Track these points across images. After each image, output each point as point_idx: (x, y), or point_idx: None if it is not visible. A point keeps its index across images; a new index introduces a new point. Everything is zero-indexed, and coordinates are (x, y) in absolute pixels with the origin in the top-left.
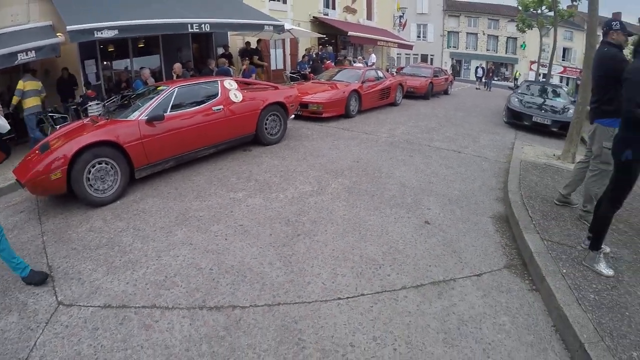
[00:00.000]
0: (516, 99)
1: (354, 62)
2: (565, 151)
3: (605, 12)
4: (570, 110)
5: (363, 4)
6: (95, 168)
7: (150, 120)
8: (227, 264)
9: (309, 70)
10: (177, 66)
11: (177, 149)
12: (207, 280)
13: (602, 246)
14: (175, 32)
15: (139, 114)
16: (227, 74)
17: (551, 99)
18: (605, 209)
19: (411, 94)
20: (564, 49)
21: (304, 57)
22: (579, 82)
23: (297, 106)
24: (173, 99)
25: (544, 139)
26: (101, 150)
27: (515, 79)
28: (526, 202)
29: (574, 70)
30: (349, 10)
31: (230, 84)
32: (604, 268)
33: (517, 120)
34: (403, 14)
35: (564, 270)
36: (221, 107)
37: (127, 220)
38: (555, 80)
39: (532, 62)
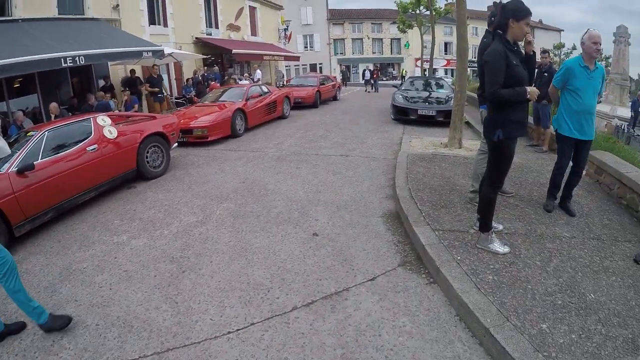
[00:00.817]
0: (400, 96)
1: (240, 79)
2: (451, 138)
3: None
4: (452, 100)
5: (247, 20)
6: None
7: (21, 172)
8: (113, 316)
9: (194, 93)
10: (53, 106)
11: (55, 198)
12: (94, 337)
13: (494, 225)
14: (49, 68)
15: (9, 166)
16: (106, 108)
17: (435, 91)
18: (487, 189)
19: (299, 105)
20: (446, 44)
21: (187, 80)
22: None
23: (179, 134)
24: (43, 144)
25: (430, 129)
26: None
27: (403, 77)
28: (414, 195)
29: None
30: (232, 27)
31: (103, 120)
32: (498, 247)
33: (403, 115)
34: (287, 26)
35: (458, 257)
36: (96, 146)
37: None
38: (440, 73)
39: (417, 59)
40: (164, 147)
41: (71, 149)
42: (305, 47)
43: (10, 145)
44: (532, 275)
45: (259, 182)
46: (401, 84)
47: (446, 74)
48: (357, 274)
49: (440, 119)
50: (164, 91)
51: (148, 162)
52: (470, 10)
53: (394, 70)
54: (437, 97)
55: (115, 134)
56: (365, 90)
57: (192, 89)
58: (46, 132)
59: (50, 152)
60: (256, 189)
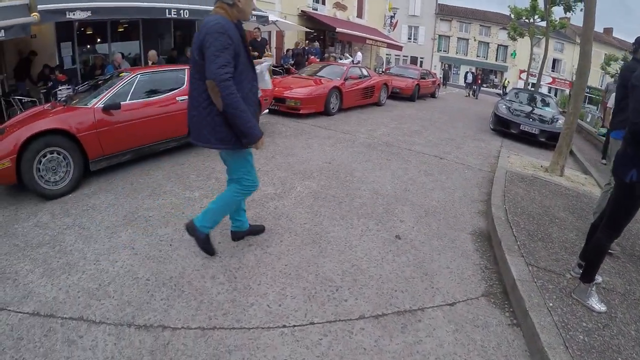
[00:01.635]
0: (504, 106)
1: (340, 59)
2: (554, 163)
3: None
4: (560, 121)
5: (354, 1)
6: (46, 158)
7: (107, 109)
8: (165, 275)
9: (292, 64)
10: (152, 53)
11: (136, 141)
12: (142, 293)
13: (595, 277)
14: (152, 17)
15: (96, 102)
16: None
17: (540, 108)
18: (602, 237)
19: (396, 95)
20: (554, 60)
21: (287, 51)
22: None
23: (272, 100)
24: (134, 87)
25: (530, 148)
26: (53, 139)
27: (504, 87)
28: (511, 219)
29: (563, 81)
30: (339, 6)
31: None
32: (595, 303)
33: (504, 127)
34: (394, 14)
35: (551, 304)
36: (186, 97)
37: (75, 216)
38: (544, 90)
39: (522, 71)
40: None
41: (160, 96)
42: (409, 38)
43: (101, 84)
44: (625, 347)
45: (346, 166)
46: (504, 93)
47: (549, 92)
48: (437, 294)
49: (543, 139)
50: (266, 56)
51: None
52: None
53: (495, 77)
54: (542, 115)
55: None
56: (466, 95)
57: (290, 59)
58: (138, 76)
59: (139, 95)
60: (342, 173)
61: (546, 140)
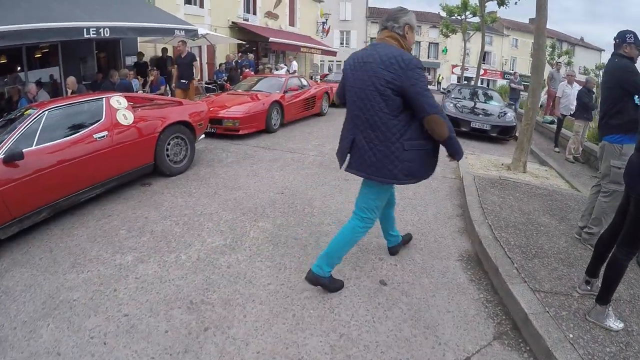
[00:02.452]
0: (451, 104)
1: (276, 69)
2: (516, 160)
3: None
4: (509, 114)
5: (285, 9)
6: None
7: (8, 161)
8: None
9: (226, 79)
10: (71, 80)
11: (51, 194)
12: None
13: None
14: (69, 38)
15: None
16: (128, 88)
17: (485, 103)
18: (622, 256)
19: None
20: (485, 53)
21: (220, 65)
22: (512, 85)
23: (207, 124)
24: (41, 126)
25: (483, 144)
26: None
27: (439, 83)
28: (498, 237)
29: (494, 72)
30: (270, 15)
31: (118, 101)
32: (613, 322)
33: (454, 126)
34: (326, 20)
35: (571, 335)
36: (106, 133)
37: None
38: (477, 82)
39: (454, 66)
40: (188, 139)
41: (75, 135)
42: (342, 43)
43: (6, 124)
44: None
45: (302, 195)
46: (448, 91)
47: (482, 83)
48: (446, 352)
49: (494, 135)
50: (194, 75)
51: (168, 156)
52: (510, 21)
53: (429, 75)
54: (490, 110)
55: (131, 119)
56: None
57: (224, 74)
58: (46, 112)
59: (49, 136)
60: (299, 204)
61: (497, 135)
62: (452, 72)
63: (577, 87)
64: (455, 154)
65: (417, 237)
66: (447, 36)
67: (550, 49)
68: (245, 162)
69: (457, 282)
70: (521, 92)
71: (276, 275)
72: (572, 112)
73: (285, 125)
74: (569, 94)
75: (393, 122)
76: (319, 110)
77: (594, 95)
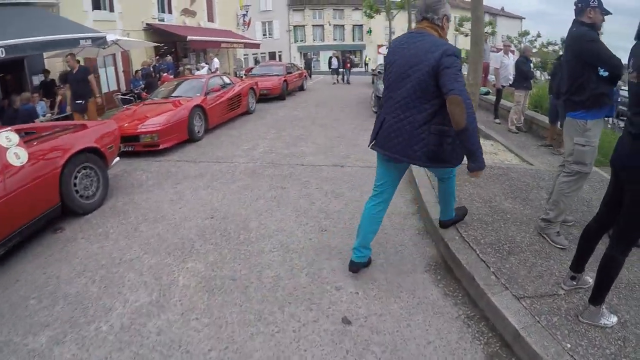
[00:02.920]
0: (383, 85)
1: (197, 69)
2: None
3: None
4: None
5: (203, 5)
6: None
7: None
8: None
9: (144, 87)
10: None
11: None
12: None
13: (586, 278)
14: None
15: None
16: (31, 115)
17: None
18: (617, 253)
19: (265, 97)
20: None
21: (136, 72)
22: None
23: (119, 146)
24: None
25: None
26: None
27: (366, 64)
28: (466, 236)
29: None
30: (187, 13)
31: (7, 138)
32: (607, 318)
33: None
34: (247, 12)
35: (568, 345)
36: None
37: None
38: None
39: (380, 46)
40: (98, 168)
41: None
42: (264, 34)
43: None
44: None
45: (235, 217)
46: (379, 72)
47: None
48: None
49: None
50: (92, 92)
51: (77, 192)
52: None
53: (355, 57)
54: None
55: (24, 158)
56: (334, 82)
57: (141, 82)
58: None
59: None
60: (232, 229)
61: None
62: (379, 53)
63: (512, 58)
64: (470, 156)
65: (375, 250)
66: (371, 17)
67: (466, 22)
68: (167, 183)
69: (431, 301)
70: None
71: (217, 335)
72: (510, 83)
73: (211, 131)
74: (507, 64)
75: (425, 106)
76: (246, 109)
77: (531, 64)
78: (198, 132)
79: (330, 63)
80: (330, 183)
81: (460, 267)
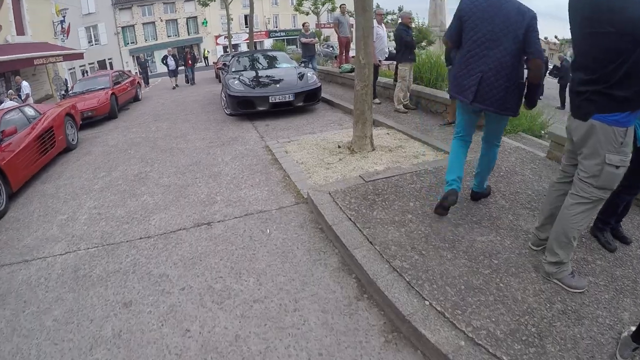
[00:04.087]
0: (236, 81)
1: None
2: (360, 138)
3: None
4: (309, 74)
5: (9, 15)
6: None
7: None
8: None
9: None
10: None
11: None
12: None
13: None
14: None
15: None
16: None
17: (275, 68)
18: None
19: (91, 119)
20: (245, 17)
21: None
22: (303, 39)
23: None
24: None
25: (289, 120)
26: None
27: (206, 58)
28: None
29: (259, 33)
30: None
31: None
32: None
33: (248, 108)
34: (64, 17)
35: None
36: None
37: None
38: (243, 47)
39: (217, 37)
40: None
41: None
42: (90, 41)
43: None
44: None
45: None
46: (224, 64)
47: (248, 47)
48: None
49: (300, 104)
50: None
51: None
52: None
53: (196, 52)
54: (285, 76)
55: None
56: (173, 86)
57: None
58: None
59: None
60: None
61: (304, 103)
62: (217, 44)
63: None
64: (534, 102)
65: None
66: (205, 4)
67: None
68: None
69: None
70: (317, 47)
71: None
72: (387, 56)
73: (20, 193)
74: (382, 36)
75: (516, 63)
76: (65, 144)
77: (412, 32)
78: None
79: (166, 63)
80: (199, 271)
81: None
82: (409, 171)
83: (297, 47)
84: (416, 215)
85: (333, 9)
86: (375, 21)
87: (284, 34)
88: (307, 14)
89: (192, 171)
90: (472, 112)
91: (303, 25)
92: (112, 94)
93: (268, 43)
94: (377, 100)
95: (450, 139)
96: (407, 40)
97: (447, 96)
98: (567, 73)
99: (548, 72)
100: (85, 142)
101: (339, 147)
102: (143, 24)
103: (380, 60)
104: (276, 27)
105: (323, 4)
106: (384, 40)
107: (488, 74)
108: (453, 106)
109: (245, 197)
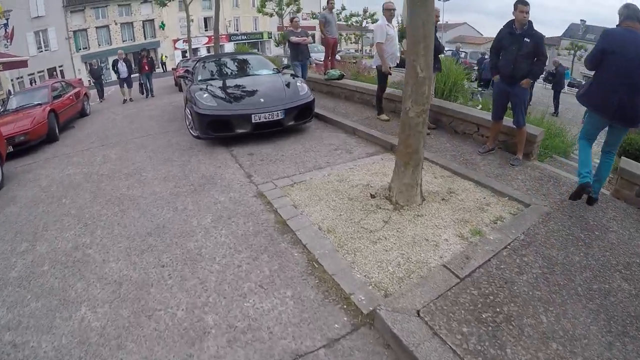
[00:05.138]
0: (206, 95)
1: None
2: (409, 187)
3: None
4: (298, 83)
5: None
6: None
7: None
8: None
9: None
10: None
11: None
12: None
13: None
14: None
15: None
16: None
17: (254, 75)
18: None
19: (24, 145)
20: (205, 19)
21: None
22: (293, 39)
23: None
24: None
25: (279, 146)
26: None
27: (164, 64)
28: None
29: (220, 36)
30: None
31: None
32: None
33: (223, 131)
34: (7, 21)
35: None
36: None
37: None
38: (203, 52)
39: (176, 40)
40: None
41: None
42: (39, 47)
43: None
44: None
45: None
46: (187, 71)
47: (208, 51)
48: None
49: (291, 124)
50: None
51: None
52: None
53: (155, 57)
54: (268, 86)
55: None
56: (125, 99)
57: None
58: None
59: None
60: None
61: (295, 121)
62: (175, 48)
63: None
64: None
65: None
66: (163, 5)
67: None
68: None
69: None
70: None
71: None
72: (398, 62)
73: None
74: (393, 37)
75: None
76: None
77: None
78: None
79: (117, 70)
80: None
81: None
82: (498, 245)
83: (258, 50)
84: (562, 342)
85: (298, 10)
86: (384, 18)
87: (246, 37)
88: (271, 15)
89: (154, 249)
90: (603, 124)
91: (291, 21)
92: (52, 110)
93: (229, 47)
94: (384, 117)
95: (501, 172)
96: (436, 43)
97: (480, 114)
98: (561, 79)
99: (543, 78)
100: (12, 180)
101: (372, 196)
102: (96, 27)
103: (390, 67)
104: (237, 31)
105: (288, 5)
106: (395, 42)
107: (625, 97)
108: (495, 130)
109: (257, 318)
